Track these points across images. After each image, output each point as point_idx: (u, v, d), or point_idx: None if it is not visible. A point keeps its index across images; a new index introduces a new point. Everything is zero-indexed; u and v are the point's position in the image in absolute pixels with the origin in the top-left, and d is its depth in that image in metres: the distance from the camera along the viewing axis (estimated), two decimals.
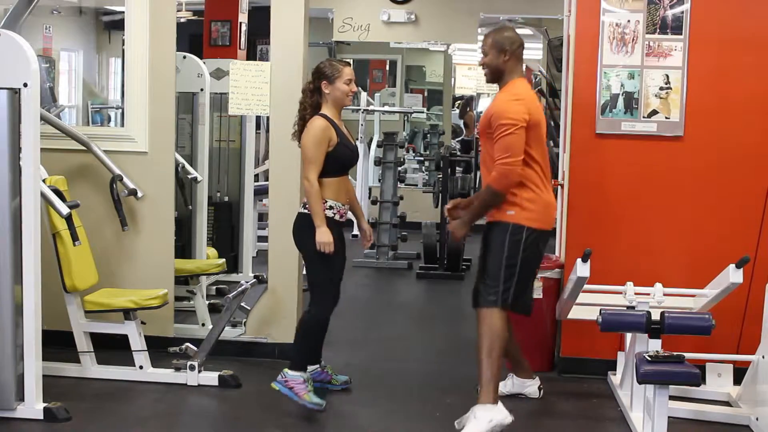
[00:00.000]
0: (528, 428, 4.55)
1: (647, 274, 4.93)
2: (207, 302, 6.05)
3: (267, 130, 7.17)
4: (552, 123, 7.48)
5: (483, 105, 12.85)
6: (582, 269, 4.62)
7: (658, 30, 5.22)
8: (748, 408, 4.67)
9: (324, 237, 4.56)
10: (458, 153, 9.35)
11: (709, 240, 5.24)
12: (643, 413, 4.34)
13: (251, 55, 11.19)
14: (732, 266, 4.60)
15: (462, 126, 13.22)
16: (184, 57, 6.69)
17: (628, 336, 4.84)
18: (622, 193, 5.32)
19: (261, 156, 9.27)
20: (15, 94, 4.33)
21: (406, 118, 13.09)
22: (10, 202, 4.36)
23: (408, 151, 12.66)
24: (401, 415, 4.78)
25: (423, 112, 13.30)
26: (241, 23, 9.58)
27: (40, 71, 4.48)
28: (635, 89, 5.25)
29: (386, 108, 11.88)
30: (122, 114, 7.17)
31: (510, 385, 4.94)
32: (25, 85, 4.30)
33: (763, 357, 4.50)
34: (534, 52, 12.91)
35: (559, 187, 5.65)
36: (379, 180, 9.46)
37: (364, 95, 11.03)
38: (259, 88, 5.56)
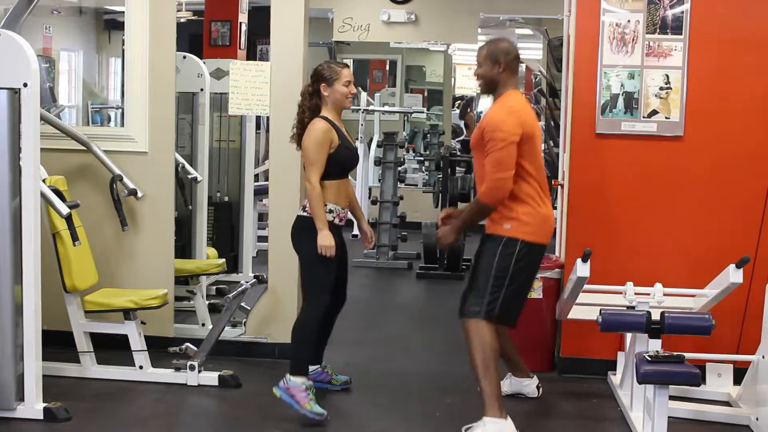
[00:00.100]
0: (528, 428, 4.55)
1: (647, 274, 4.93)
2: (207, 302, 6.05)
3: (267, 130, 7.18)
4: (552, 123, 7.48)
5: (483, 105, 12.88)
6: (582, 269, 4.62)
7: (658, 30, 5.22)
8: (748, 408, 4.67)
9: (326, 240, 4.54)
10: (458, 153, 9.34)
11: (709, 240, 5.25)
12: (643, 413, 4.34)
13: (251, 55, 11.20)
14: (732, 266, 4.60)
15: (462, 126, 13.23)
16: (184, 57, 6.69)
17: (628, 336, 4.84)
18: (622, 193, 5.32)
19: (261, 156, 9.28)
20: (15, 94, 4.33)
21: (406, 118, 13.09)
22: (10, 202, 4.36)
23: (408, 151, 12.66)
24: (401, 415, 4.78)
25: (423, 112, 13.31)
26: (241, 23, 9.58)
27: (40, 71, 4.49)
28: (635, 89, 5.25)
29: (386, 108, 11.89)
30: (122, 114, 7.18)
31: (508, 384, 4.94)
32: (25, 85, 4.30)
33: (763, 357, 4.50)
34: (534, 52, 12.93)
35: (559, 187, 5.65)
36: (379, 180, 9.46)
37: (364, 95, 11.03)
38: (259, 88, 5.56)
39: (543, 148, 8.49)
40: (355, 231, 8.45)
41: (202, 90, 6.79)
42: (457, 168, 8.69)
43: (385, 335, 6.47)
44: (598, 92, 5.27)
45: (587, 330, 5.04)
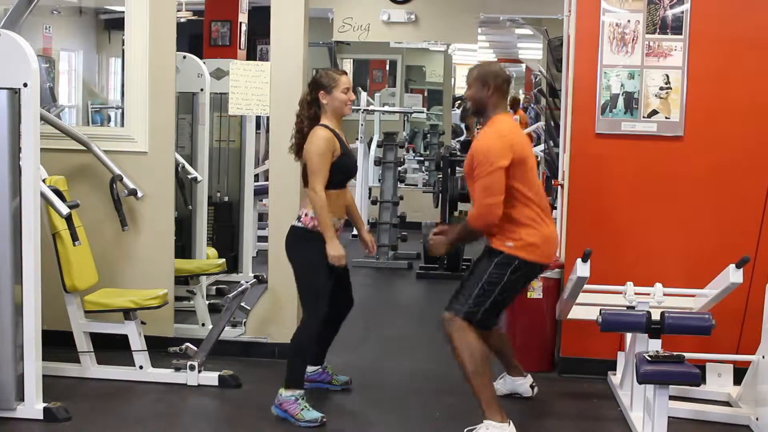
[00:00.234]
0: (528, 428, 4.55)
1: (647, 274, 4.93)
2: (207, 302, 6.05)
3: (267, 130, 7.18)
4: (552, 123, 7.47)
5: None
6: (582, 269, 4.62)
7: (658, 30, 5.22)
8: (748, 408, 4.67)
9: (336, 250, 4.52)
10: (458, 153, 9.34)
11: (709, 240, 5.24)
12: (643, 413, 4.34)
13: (251, 55, 11.20)
14: (732, 266, 4.60)
15: (463, 127, 13.24)
16: (184, 57, 6.69)
17: (628, 336, 4.84)
18: (622, 193, 5.32)
19: (261, 156, 9.28)
20: (15, 94, 4.33)
21: (406, 118, 13.10)
22: (10, 202, 4.36)
23: (408, 151, 12.67)
24: (401, 415, 4.78)
25: (423, 112, 13.31)
26: (241, 23, 9.59)
27: (40, 71, 4.48)
28: (635, 89, 5.25)
29: (386, 108, 11.88)
30: (122, 114, 7.18)
31: (502, 384, 4.94)
32: (25, 85, 4.30)
33: (763, 357, 4.50)
34: (534, 52, 12.94)
35: (559, 187, 5.65)
36: (379, 180, 9.46)
37: (364, 95, 11.03)
38: (259, 88, 5.57)
39: (543, 148, 8.52)
40: (356, 231, 8.43)
41: (202, 90, 6.79)
42: (457, 168, 8.69)
43: (385, 335, 6.47)
44: (598, 92, 5.27)
45: (587, 330, 5.04)
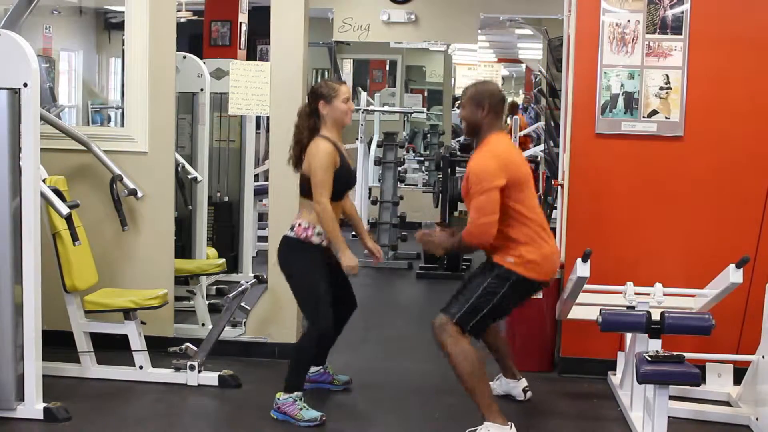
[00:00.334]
0: (528, 428, 4.55)
1: (647, 274, 4.93)
2: (207, 302, 6.05)
3: (267, 130, 7.18)
4: (552, 123, 7.48)
5: None
6: (582, 269, 4.62)
7: (658, 30, 5.22)
8: (748, 408, 4.67)
9: (351, 260, 4.55)
10: (458, 153, 9.35)
11: (709, 240, 5.24)
12: (643, 413, 4.34)
13: (251, 55, 11.21)
14: (732, 266, 4.60)
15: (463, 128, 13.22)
16: (184, 57, 6.69)
17: (628, 336, 4.84)
18: (622, 193, 5.32)
19: (261, 156, 9.28)
20: (15, 94, 4.33)
21: (406, 118, 13.10)
22: (10, 202, 4.36)
23: (408, 151, 12.67)
24: (401, 415, 4.78)
25: (423, 112, 13.31)
26: (241, 23, 9.59)
27: (40, 71, 4.48)
28: (635, 89, 5.25)
29: (386, 108, 11.89)
30: (122, 114, 7.18)
31: (498, 384, 4.94)
32: (25, 85, 4.30)
33: (763, 357, 4.50)
34: (534, 52, 12.94)
35: (559, 187, 5.65)
36: (379, 180, 9.46)
37: (364, 95, 11.04)
38: (259, 88, 5.57)
39: (543, 148, 8.52)
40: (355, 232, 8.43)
41: (202, 90, 6.79)
42: (457, 168, 8.70)
43: (385, 335, 6.47)
44: (598, 92, 5.27)
45: (587, 330, 5.04)
